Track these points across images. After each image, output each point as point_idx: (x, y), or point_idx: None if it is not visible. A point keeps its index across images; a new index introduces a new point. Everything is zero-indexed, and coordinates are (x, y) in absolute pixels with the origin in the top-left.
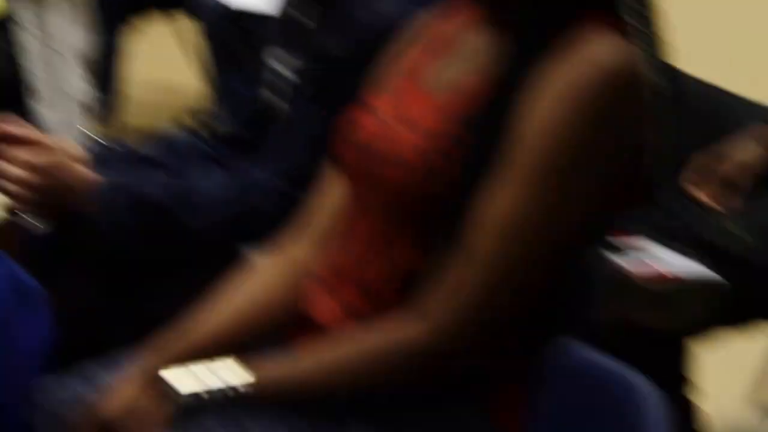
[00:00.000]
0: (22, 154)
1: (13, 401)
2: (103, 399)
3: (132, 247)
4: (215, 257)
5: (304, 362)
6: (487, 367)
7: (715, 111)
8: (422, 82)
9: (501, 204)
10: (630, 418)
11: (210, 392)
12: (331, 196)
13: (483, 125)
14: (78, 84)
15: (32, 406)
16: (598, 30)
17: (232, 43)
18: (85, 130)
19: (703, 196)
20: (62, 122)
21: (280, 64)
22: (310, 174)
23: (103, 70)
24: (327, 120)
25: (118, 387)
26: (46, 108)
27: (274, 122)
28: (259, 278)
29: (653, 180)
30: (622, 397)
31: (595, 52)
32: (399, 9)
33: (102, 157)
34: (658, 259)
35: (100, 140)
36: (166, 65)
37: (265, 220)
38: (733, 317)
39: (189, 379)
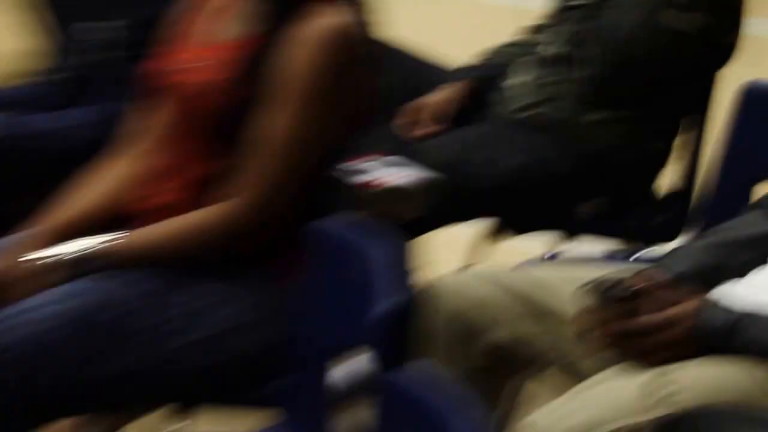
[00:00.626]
0: None
1: None
2: None
3: None
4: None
5: (137, 236)
6: (276, 238)
7: (417, 76)
8: (212, 37)
9: (278, 123)
10: (368, 279)
11: (67, 254)
12: (150, 121)
13: (253, 65)
14: None
15: None
16: (328, 3)
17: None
18: None
19: (409, 129)
20: None
21: (92, 30)
22: (123, 111)
23: None
24: (134, 68)
25: None
26: None
27: (97, 71)
28: (104, 179)
29: (375, 115)
30: (364, 266)
31: (327, 18)
32: None
33: None
34: (380, 173)
35: None
36: None
37: (88, 149)
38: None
39: (49, 250)
